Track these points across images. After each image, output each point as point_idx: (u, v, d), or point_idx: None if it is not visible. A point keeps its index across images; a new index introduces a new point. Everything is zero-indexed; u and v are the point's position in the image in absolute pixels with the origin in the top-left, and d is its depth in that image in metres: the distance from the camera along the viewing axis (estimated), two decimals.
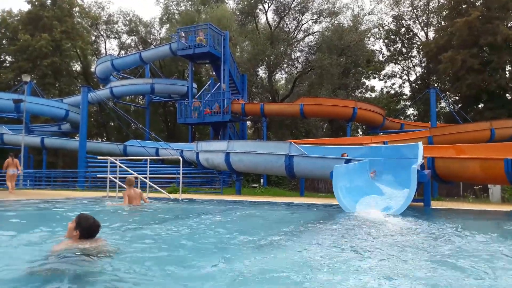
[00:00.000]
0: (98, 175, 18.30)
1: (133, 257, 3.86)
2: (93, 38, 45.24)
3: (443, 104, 35.45)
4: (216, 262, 3.54)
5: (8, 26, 39.73)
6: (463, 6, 31.68)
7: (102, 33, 45.42)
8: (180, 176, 12.63)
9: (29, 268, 3.26)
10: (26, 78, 23.80)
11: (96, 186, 20.10)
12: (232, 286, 2.92)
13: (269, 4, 37.25)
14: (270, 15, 38.06)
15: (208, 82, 29.46)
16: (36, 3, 38.54)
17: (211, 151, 16.02)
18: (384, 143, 17.30)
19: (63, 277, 3.02)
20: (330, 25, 36.93)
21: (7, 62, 40.89)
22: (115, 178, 12.38)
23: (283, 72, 40.19)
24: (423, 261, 3.62)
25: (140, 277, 3.22)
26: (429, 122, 24.92)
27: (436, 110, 28.16)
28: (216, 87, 26.89)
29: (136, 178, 12.63)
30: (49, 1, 39.20)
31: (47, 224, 5.74)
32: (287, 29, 38.29)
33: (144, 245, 4.58)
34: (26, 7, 40.68)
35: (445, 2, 34.27)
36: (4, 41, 40.84)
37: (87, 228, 3.89)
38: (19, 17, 40.11)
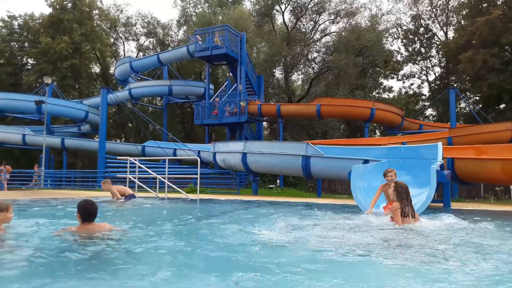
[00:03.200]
0: (117, 175, 18.57)
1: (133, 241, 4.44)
2: (112, 40, 45.92)
3: (463, 105, 34.88)
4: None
5: (30, 29, 40.65)
6: (484, 5, 31.14)
7: (120, 35, 46.14)
8: (198, 176, 12.72)
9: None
10: (48, 80, 24.32)
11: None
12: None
13: (286, 5, 37.28)
14: (287, 16, 38.11)
15: (225, 83, 29.60)
16: (57, 7, 39.32)
17: (228, 152, 16.09)
18: (402, 143, 17.11)
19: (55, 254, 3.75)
20: (347, 25, 36.79)
21: (29, 64, 41.83)
22: (135, 178, 12.57)
23: (299, 72, 40.18)
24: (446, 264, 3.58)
25: (130, 258, 3.70)
26: (449, 123, 24.54)
27: (456, 110, 27.71)
28: (232, 88, 26.99)
29: (155, 178, 12.83)
30: (70, 4, 39.96)
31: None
32: (303, 30, 38.25)
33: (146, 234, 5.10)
34: (48, 10, 41.66)
35: (465, 1, 33.74)
36: (26, 44, 41.82)
37: (83, 210, 4.44)
38: (40, 21, 40.99)
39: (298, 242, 4.51)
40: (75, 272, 3.18)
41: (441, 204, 9.95)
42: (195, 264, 3.49)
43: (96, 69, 45.84)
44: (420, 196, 8.53)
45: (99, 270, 3.25)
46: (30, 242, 4.39)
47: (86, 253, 3.76)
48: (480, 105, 31.90)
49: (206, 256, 3.78)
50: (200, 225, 6.31)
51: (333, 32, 38.01)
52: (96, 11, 43.04)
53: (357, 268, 3.39)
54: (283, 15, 38.05)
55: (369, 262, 3.56)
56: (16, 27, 41.04)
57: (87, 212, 4.44)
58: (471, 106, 31.30)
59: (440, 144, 10.67)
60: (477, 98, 34.27)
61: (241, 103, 24.14)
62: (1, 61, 39.62)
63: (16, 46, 41.90)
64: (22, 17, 40.93)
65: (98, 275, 3.07)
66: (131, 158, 13.06)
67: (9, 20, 40.38)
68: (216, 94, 27.84)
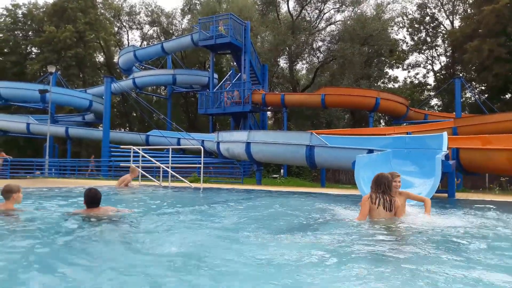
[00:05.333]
0: (121, 164, 18.66)
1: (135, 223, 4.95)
2: (116, 29, 45.77)
3: (468, 95, 34.60)
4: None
5: (34, 18, 40.55)
6: None
7: (124, 24, 45.94)
8: (202, 165, 12.71)
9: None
10: (52, 69, 24.30)
11: (119, 175, 20.42)
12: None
13: None
14: (292, 4, 37.82)
15: (229, 73, 29.47)
16: None
17: (232, 141, 16.08)
18: (407, 133, 17.03)
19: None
20: (352, 14, 36.37)
21: (33, 53, 41.78)
22: (138, 167, 12.58)
23: (304, 62, 39.87)
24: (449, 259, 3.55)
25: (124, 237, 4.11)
26: (454, 113, 24.39)
27: (461, 100, 27.49)
28: (237, 77, 26.88)
29: (159, 167, 12.85)
30: None
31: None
32: (308, 19, 37.88)
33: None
34: None
35: None
36: (30, 33, 41.74)
37: (86, 197, 5.09)
38: (44, 9, 40.86)
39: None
40: (78, 247, 3.59)
41: (446, 195, 9.91)
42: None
43: (100, 58, 45.77)
44: (425, 186, 8.51)
45: (101, 245, 3.66)
46: (39, 221, 4.94)
47: (91, 231, 4.30)
48: (486, 95, 31.62)
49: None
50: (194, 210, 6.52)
51: (338, 21, 37.66)
52: (100, 0, 42.83)
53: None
54: (287, 4, 37.67)
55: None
56: (20, 15, 40.93)
57: (92, 199, 5.09)
58: (476, 96, 31.06)
59: (445, 134, 10.61)
60: (483, 88, 33.97)
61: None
62: (5, 50, 39.64)
63: (20, 35, 41.82)
64: (26, 6, 40.83)
65: (98, 251, 3.46)
66: (134, 147, 13.07)
67: (13, 8, 40.26)
68: (220, 83, 27.75)
